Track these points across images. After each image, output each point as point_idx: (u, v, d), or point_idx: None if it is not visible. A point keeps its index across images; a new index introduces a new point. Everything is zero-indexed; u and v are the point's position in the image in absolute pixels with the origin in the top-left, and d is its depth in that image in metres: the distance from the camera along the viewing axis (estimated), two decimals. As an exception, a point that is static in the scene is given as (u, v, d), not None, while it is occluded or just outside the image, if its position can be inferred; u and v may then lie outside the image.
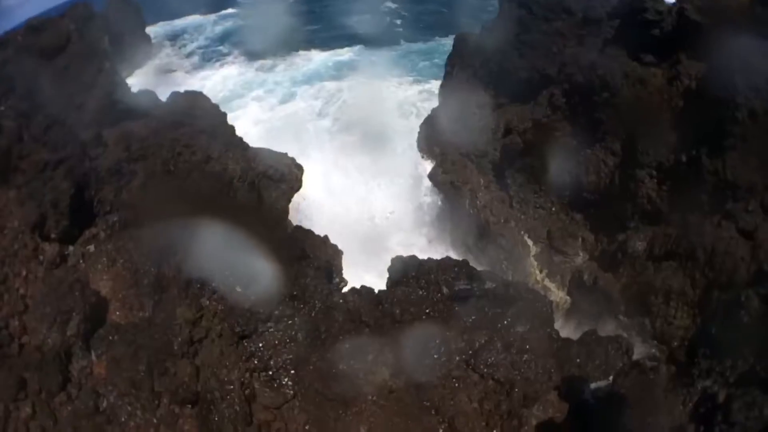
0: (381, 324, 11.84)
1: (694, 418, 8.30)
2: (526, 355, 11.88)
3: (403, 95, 31.45)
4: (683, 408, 8.80)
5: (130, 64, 35.68)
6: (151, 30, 43.29)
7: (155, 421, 10.70)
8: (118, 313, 12.18)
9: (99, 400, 10.76)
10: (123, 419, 10.60)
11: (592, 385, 11.42)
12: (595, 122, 17.57)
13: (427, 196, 21.34)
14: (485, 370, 11.56)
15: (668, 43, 16.68)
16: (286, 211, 18.49)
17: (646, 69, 16.89)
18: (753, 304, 9.69)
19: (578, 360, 11.94)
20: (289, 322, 11.76)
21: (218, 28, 46.00)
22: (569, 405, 11.18)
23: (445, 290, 12.60)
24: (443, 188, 20.91)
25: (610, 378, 11.16)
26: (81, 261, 12.90)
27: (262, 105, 31.77)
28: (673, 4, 16.96)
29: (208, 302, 11.80)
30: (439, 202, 20.90)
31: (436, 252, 18.99)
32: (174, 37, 44.79)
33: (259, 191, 18.22)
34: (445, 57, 25.21)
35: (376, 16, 41.65)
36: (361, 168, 23.61)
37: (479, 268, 14.07)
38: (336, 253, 13.75)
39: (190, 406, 11.01)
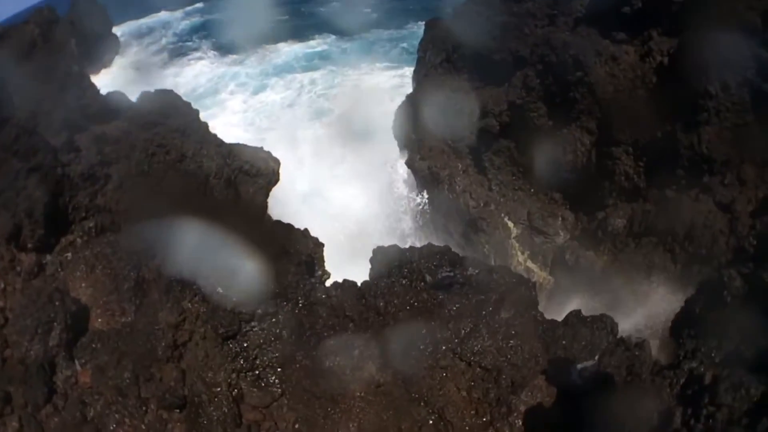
0: (365, 318, 11.77)
1: (681, 400, 8.32)
2: (512, 341, 11.85)
3: (376, 82, 31.32)
4: (670, 390, 8.82)
5: (98, 66, 35.26)
6: (118, 29, 42.79)
7: (143, 427, 10.63)
8: (100, 320, 11.99)
9: (86, 410, 10.65)
10: (111, 427, 10.52)
11: (579, 366, 11.44)
12: (570, 102, 17.52)
13: (406, 182, 21.36)
14: (472, 358, 11.53)
15: (639, 20, 16.71)
16: (265, 207, 18.31)
17: (618, 46, 16.88)
18: (735, 283, 9.77)
19: (564, 342, 11.90)
20: (273, 320, 11.67)
21: (186, 24, 45.73)
22: (557, 388, 11.18)
23: (428, 278, 12.53)
24: (421, 174, 20.86)
25: (596, 358, 11.22)
26: (59, 269, 12.68)
27: (234, 99, 31.53)
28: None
29: (190, 305, 11.65)
30: (418, 189, 20.92)
31: (418, 239, 19.07)
32: (142, 36, 44.38)
33: (236, 187, 18.02)
34: (417, 43, 25.12)
35: (346, 4, 41.48)
36: (338, 157, 23.54)
37: (462, 254, 14.07)
38: (317, 246, 13.65)
39: (178, 410, 10.91)
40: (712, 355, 9.01)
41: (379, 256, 13.18)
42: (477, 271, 13.00)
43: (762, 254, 10.58)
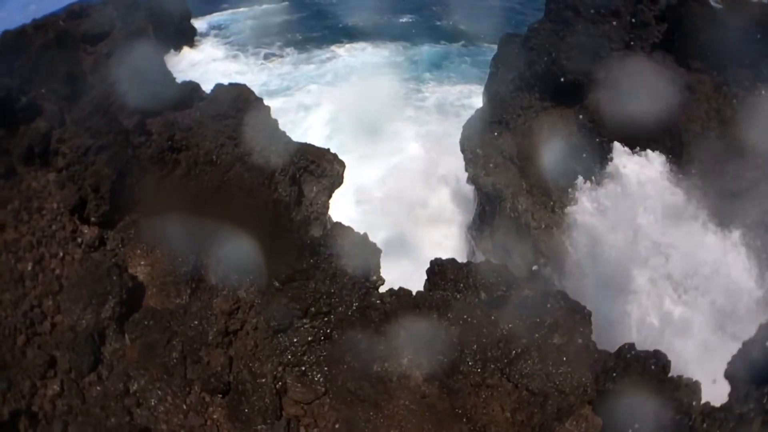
0: (417, 327, 11.68)
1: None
2: (561, 368, 11.57)
3: (443, 96, 31.31)
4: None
5: (174, 54, 36.09)
6: (198, 21, 43.71)
7: (185, 407, 10.76)
8: (154, 299, 12.26)
9: (130, 383, 10.84)
10: (153, 403, 10.68)
11: (627, 401, 11.14)
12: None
13: (468, 197, 21.25)
14: (520, 380, 11.30)
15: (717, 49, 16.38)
16: (327, 207, 18.45)
17: (694, 75, 16.53)
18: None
19: (614, 374, 11.61)
20: (325, 319, 11.68)
21: (267, 20, 46.18)
22: (603, 420, 10.92)
23: (483, 296, 12.40)
24: (484, 190, 20.71)
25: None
26: (120, 245, 13.05)
27: (310, 97, 31.80)
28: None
29: (245, 294, 11.78)
30: (480, 204, 20.76)
31: (475, 255, 18.90)
32: (220, 29, 45.17)
33: (300, 185, 18.21)
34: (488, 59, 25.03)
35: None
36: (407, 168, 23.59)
37: (518, 275, 13.87)
38: (374, 252, 13.61)
39: (221, 395, 11.03)
40: (764, 401, 8.69)
41: (435, 267, 13.11)
42: (532, 293, 12.79)
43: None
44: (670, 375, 11.41)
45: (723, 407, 9.60)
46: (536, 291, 13.00)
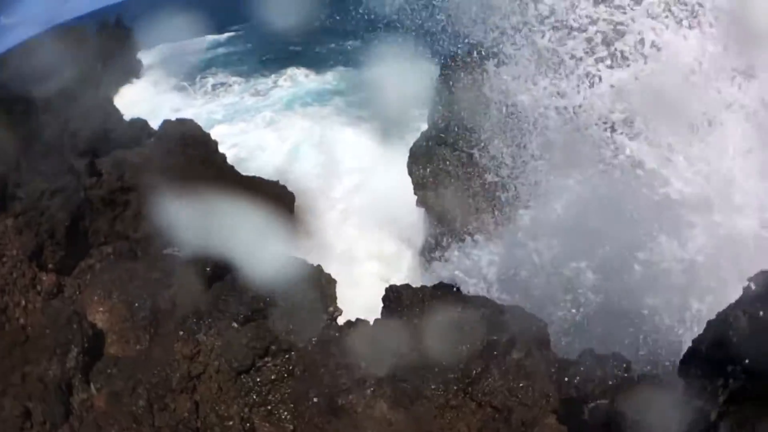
0: (377, 357, 11.86)
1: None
2: (523, 382, 11.82)
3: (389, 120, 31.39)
4: (678, 428, 8.90)
5: (121, 90, 35.82)
6: (144, 54, 43.49)
7: (156, 457, 10.76)
8: (115, 346, 12.18)
9: (101, 434, 10.76)
10: (125, 454, 10.60)
11: (591, 405, 11.46)
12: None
13: (418, 220, 21.47)
14: (483, 398, 11.53)
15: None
16: (278, 238, 18.40)
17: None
18: (741, 323, 9.82)
19: (576, 380, 11.93)
20: (286, 356, 11.76)
21: (214, 52, 46.25)
22: (568, 428, 11.19)
23: (439, 318, 12.63)
24: (435, 209, 21.00)
25: (609, 397, 11.23)
26: (77, 292, 12.97)
27: (256, 129, 31.81)
28: None
29: (204, 338, 11.79)
30: (430, 225, 21.05)
31: (430, 277, 19.07)
32: (166, 61, 44.97)
33: (250, 219, 18.12)
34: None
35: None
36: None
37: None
38: (329, 283, 13.74)
39: (190, 441, 11.05)
40: (718, 394, 9.05)
41: (391, 294, 13.28)
42: (489, 311, 13.08)
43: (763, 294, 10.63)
44: (630, 374, 11.87)
45: (681, 402, 9.86)
46: (492, 308, 13.34)
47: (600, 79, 15.64)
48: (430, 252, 21.27)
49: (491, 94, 18.26)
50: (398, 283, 14.00)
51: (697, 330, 10.61)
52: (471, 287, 17.42)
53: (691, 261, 13.64)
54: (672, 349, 13.18)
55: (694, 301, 13.28)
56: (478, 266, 19.15)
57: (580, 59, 15.90)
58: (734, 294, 9.60)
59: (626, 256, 14.34)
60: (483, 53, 18.68)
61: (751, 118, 14.26)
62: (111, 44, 35.41)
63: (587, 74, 15.76)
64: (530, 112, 16.95)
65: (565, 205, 16.34)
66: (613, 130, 15.39)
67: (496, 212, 19.64)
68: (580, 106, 15.88)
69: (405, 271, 21.20)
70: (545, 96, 16.43)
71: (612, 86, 15.48)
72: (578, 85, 15.96)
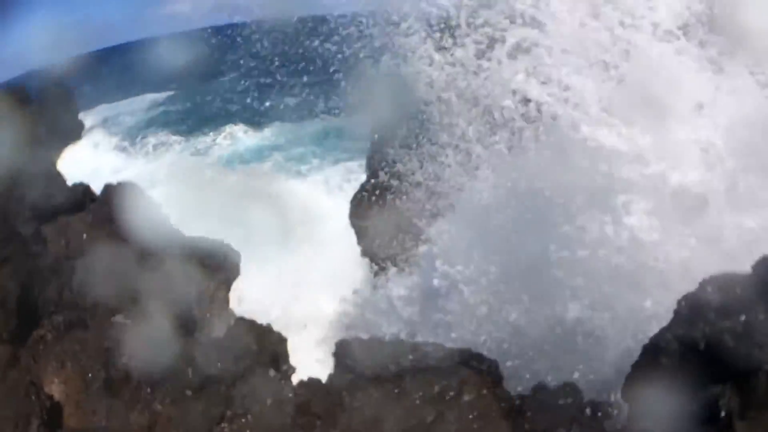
0: (332, 413, 12.02)
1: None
2: (476, 423, 12.11)
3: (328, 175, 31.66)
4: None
5: (63, 152, 35.28)
6: (85, 115, 43.11)
7: None
8: (73, 419, 12.05)
9: None
10: None
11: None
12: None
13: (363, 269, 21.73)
14: (438, 443, 11.78)
15: None
16: (227, 301, 18.36)
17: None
18: (672, 347, 10.24)
19: (529, 414, 12.14)
20: (243, 420, 11.78)
21: (156, 111, 46.30)
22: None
23: (392, 368, 12.88)
24: (381, 256, 21.31)
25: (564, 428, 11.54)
26: (33, 362, 12.79)
27: (198, 188, 31.78)
28: None
29: (160, 407, 11.79)
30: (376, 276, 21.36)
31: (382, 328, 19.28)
32: (106, 122, 44.80)
33: (196, 281, 18.10)
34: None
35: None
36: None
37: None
38: (280, 342, 13.88)
39: None
40: (659, 413, 9.38)
41: (341, 350, 13.48)
42: (440, 355, 13.37)
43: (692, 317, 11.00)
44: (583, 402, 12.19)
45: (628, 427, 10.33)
46: (442, 352, 13.65)
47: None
48: (362, 296, 21.50)
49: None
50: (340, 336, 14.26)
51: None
52: (386, 329, 17.89)
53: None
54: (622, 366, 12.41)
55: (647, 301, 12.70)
56: (393, 305, 19.48)
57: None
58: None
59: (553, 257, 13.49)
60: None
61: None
62: (53, 105, 34.90)
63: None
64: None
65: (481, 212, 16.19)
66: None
67: (419, 241, 20.15)
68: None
69: (344, 321, 21.33)
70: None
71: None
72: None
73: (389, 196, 21.22)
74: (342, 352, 13.41)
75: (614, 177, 12.55)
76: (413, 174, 19.81)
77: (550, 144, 14.23)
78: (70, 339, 12.87)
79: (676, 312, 10.42)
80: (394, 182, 20.96)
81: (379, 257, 21.07)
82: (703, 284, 10.21)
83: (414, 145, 19.34)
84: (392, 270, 20.62)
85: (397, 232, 20.67)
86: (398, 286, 19.97)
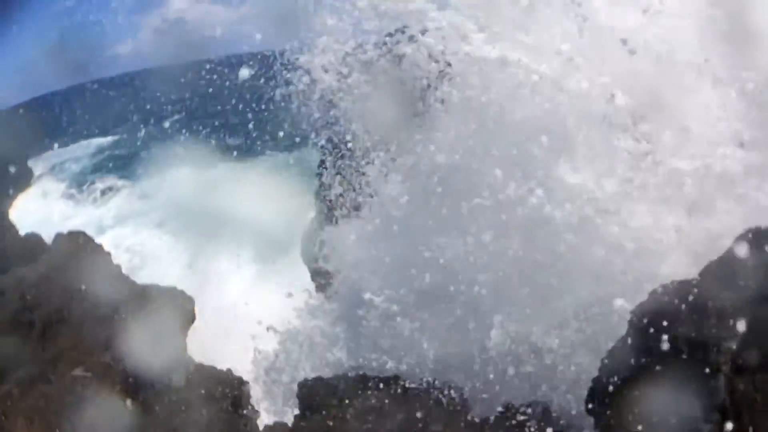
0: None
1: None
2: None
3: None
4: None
5: (14, 200, 34.81)
6: (33, 162, 42.56)
7: None
8: (47, 475, 12.06)
9: None
10: None
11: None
12: None
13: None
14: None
15: None
16: (184, 348, 18.30)
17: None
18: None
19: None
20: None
21: (98, 157, 45.93)
22: None
23: (351, 411, 13.15)
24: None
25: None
26: (3, 418, 12.70)
27: (147, 232, 31.63)
28: None
29: (129, 464, 11.89)
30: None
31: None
32: (54, 169, 44.25)
33: (152, 330, 18.02)
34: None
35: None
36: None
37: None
38: (242, 384, 14.11)
39: None
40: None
41: (303, 391, 13.70)
42: (399, 391, 13.61)
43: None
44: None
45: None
46: (404, 388, 13.90)
47: None
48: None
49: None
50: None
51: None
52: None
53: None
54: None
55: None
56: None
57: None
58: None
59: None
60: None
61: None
62: (1, 154, 34.42)
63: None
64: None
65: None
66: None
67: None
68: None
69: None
70: None
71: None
72: None
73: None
74: (307, 395, 13.53)
75: None
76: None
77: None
78: (35, 394, 12.85)
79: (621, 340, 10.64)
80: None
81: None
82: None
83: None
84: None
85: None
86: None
